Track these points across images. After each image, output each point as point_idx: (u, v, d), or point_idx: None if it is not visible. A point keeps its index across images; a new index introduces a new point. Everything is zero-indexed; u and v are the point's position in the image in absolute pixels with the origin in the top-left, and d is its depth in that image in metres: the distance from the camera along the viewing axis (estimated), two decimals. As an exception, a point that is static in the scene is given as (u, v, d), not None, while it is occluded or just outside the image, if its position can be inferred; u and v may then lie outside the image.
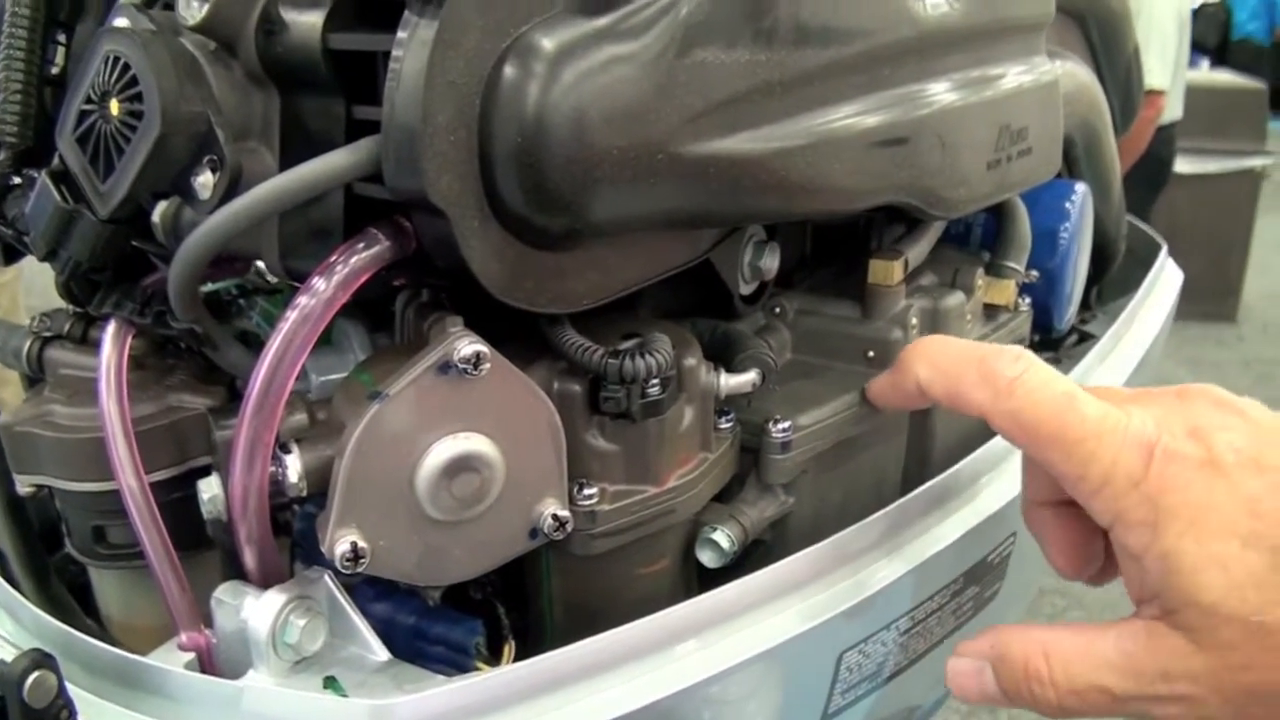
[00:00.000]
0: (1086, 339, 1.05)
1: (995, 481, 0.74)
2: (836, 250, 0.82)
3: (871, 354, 0.71)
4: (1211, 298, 4.04)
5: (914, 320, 0.71)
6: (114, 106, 0.51)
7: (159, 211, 0.58)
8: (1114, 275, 1.16)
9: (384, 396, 0.50)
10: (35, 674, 0.52)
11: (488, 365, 0.51)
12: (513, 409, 0.53)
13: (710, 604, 0.58)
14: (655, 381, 0.56)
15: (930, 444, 0.77)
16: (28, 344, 0.64)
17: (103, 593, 0.65)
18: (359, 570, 0.51)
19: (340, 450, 0.50)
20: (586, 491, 0.56)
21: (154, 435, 0.58)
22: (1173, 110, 3.35)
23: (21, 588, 0.66)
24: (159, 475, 0.59)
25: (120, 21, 0.54)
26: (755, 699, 0.61)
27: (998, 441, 0.75)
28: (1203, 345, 4.11)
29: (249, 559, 0.55)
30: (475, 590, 0.62)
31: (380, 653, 0.55)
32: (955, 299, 0.75)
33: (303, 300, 0.50)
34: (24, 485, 0.61)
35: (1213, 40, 7.71)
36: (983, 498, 0.73)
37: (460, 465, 0.52)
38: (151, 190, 0.52)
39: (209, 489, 0.55)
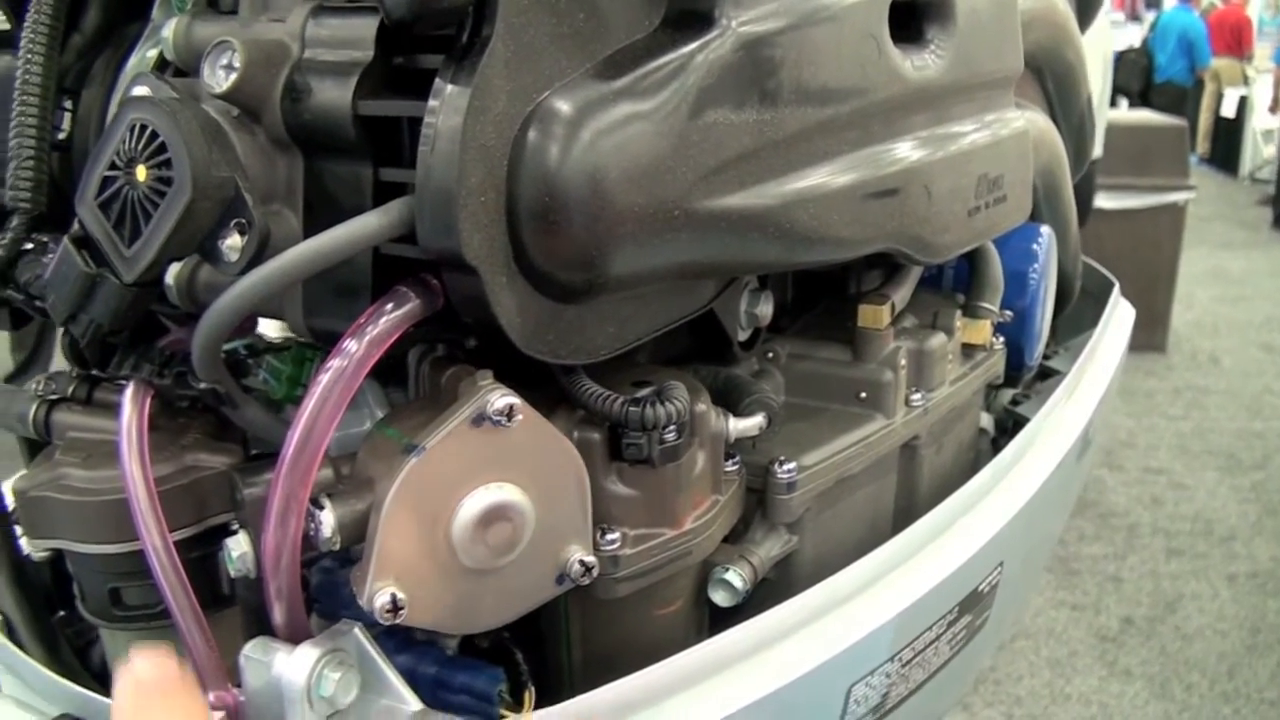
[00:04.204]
0: (1050, 375, 1.09)
1: (982, 514, 0.77)
2: (816, 295, 0.85)
3: (864, 395, 0.73)
4: (1141, 329, 4.14)
5: (903, 361, 0.74)
6: (141, 173, 0.52)
7: (173, 273, 0.58)
8: (1067, 312, 1.21)
9: (420, 450, 0.51)
10: None
11: (520, 417, 0.52)
12: (542, 458, 0.54)
13: (728, 643, 0.60)
14: (672, 428, 0.58)
15: (918, 480, 0.79)
16: (34, 408, 0.64)
17: (114, 654, 0.64)
18: (397, 621, 0.51)
19: (377, 504, 0.51)
20: (609, 536, 0.58)
21: (174, 495, 0.59)
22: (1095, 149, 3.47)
23: (30, 653, 0.65)
24: (179, 535, 0.59)
25: (141, 90, 0.55)
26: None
27: (981, 477, 0.78)
28: (1134, 375, 4.23)
29: (279, 615, 0.56)
30: (482, 640, 0.63)
31: (413, 703, 0.56)
32: (938, 340, 0.78)
33: (337, 361, 0.51)
34: (38, 550, 0.61)
35: (1136, 85, 8.01)
36: (972, 530, 0.76)
37: (494, 515, 0.53)
38: (178, 255, 0.53)
39: (238, 546, 0.55)
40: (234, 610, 0.63)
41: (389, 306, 0.52)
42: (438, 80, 0.49)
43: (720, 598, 0.65)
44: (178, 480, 0.59)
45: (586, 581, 0.57)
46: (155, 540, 0.56)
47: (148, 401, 0.58)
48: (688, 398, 0.58)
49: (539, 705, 0.60)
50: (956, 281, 0.89)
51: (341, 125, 0.52)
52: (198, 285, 0.59)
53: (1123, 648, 2.69)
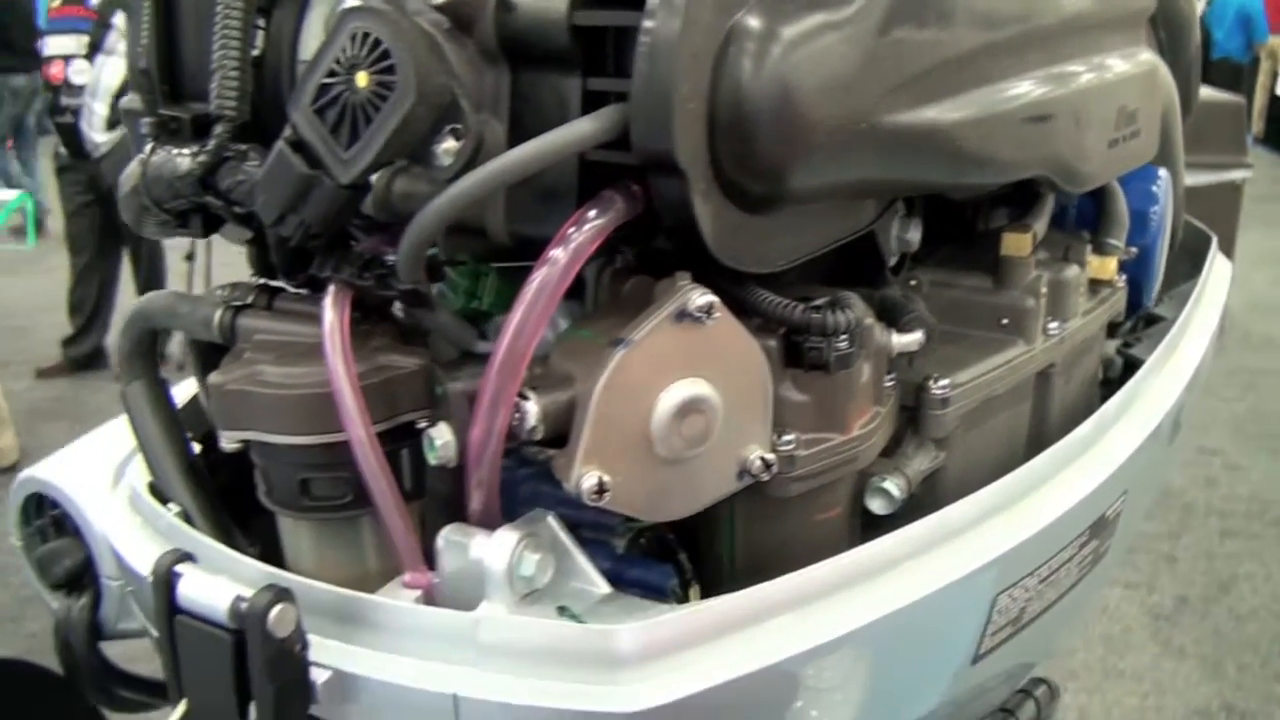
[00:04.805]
0: (1155, 321, 1.10)
1: (1111, 442, 0.80)
2: (944, 231, 0.88)
3: (1005, 321, 0.76)
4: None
5: (1043, 289, 0.76)
6: (361, 79, 0.55)
7: (374, 179, 0.61)
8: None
9: (627, 343, 0.54)
10: (278, 606, 0.56)
11: (719, 314, 0.55)
12: (733, 357, 0.57)
13: (888, 546, 0.63)
14: (845, 336, 0.60)
15: (1049, 407, 0.82)
16: (218, 313, 0.68)
17: (295, 545, 0.67)
18: (601, 503, 0.55)
19: (584, 394, 0.54)
20: (786, 437, 0.61)
21: (369, 392, 0.62)
22: None
23: None
24: (374, 429, 0.63)
25: (353, 1, 0.58)
26: (927, 636, 0.66)
27: (1110, 405, 0.81)
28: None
29: (476, 501, 0.59)
30: (643, 538, 0.66)
31: (602, 586, 0.59)
32: (1073, 271, 0.80)
33: (550, 260, 0.54)
34: (230, 441, 0.64)
35: (1194, 61, 7.87)
36: (1103, 456, 0.78)
37: (689, 408, 0.56)
38: (393, 158, 0.56)
39: (440, 436, 0.59)
40: (413, 505, 0.67)
41: (595, 211, 0.55)
42: None
43: (877, 505, 0.67)
44: (372, 378, 0.62)
45: (766, 478, 0.60)
46: (360, 431, 0.59)
47: (348, 302, 0.61)
48: (863, 307, 0.61)
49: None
50: (1079, 220, 0.91)
51: (555, 35, 0.55)
52: (394, 194, 0.62)
53: (1177, 626, 2.70)
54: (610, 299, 0.64)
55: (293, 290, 0.69)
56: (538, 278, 0.55)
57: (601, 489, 0.54)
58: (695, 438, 0.57)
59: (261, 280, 0.70)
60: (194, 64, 0.66)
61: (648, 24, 0.52)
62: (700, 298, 0.55)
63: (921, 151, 0.61)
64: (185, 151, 0.63)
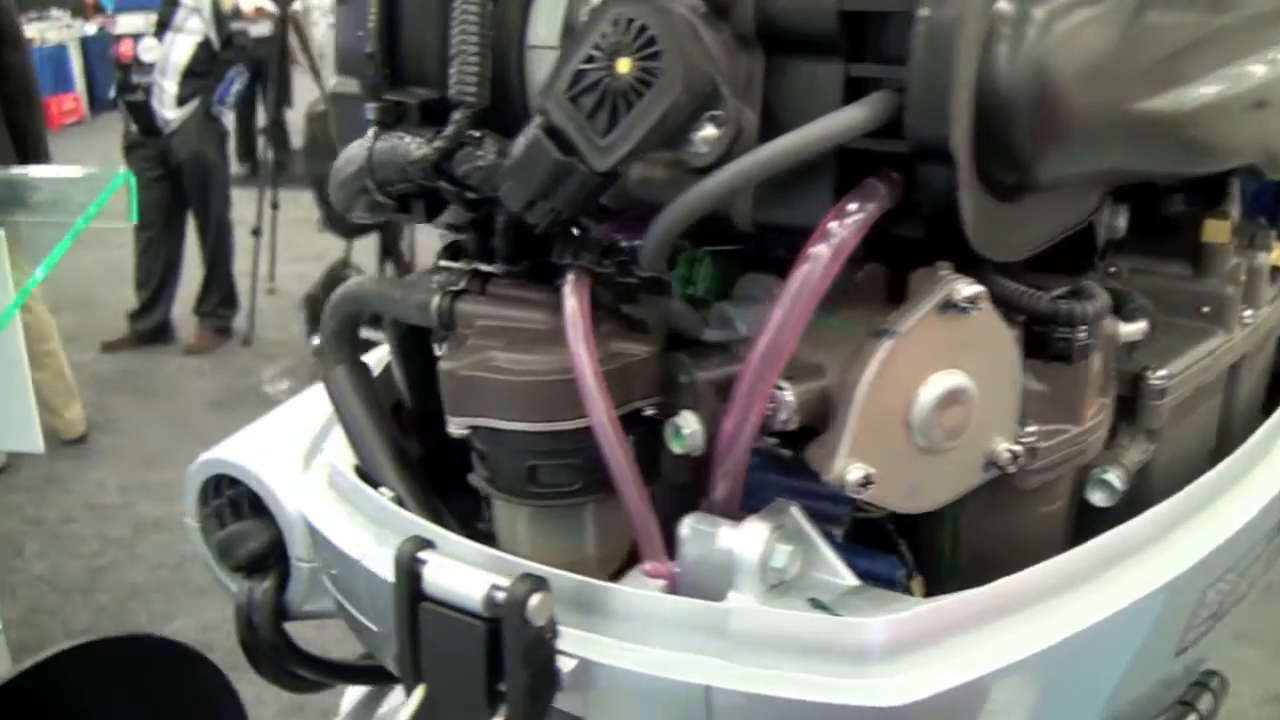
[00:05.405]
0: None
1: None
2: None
3: (1206, 309, 0.75)
4: None
5: (1243, 277, 0.75)
6: (623, 65, 0.54)
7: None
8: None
9: (893, 333, 0.54)
10: (537, 595, 0.56)
11: (984, 304, 0.55)
12: (989, 348, 0.57)
13: (1116, 539, 0.62)
14: (1084, 326, 0.60)
15: (1237, 398, 0.81)
16: (436, 299, 0.68)
17: (511, 533, 0.68)
18: (864, 496, 0.54)
19: (850, 384, 0.54)
20: (1028, 428, 0.60)
21: (605, 378, 0.62)
22: None
23: None
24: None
25: None
26: (1149, 629, 0.65)
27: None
28: None
29: (722, 491, 0.59)
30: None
31: (848, 578, 0.59)
32: (1264, 258, 0.79)
33: (816, 252, 0.54)
34: (458, 428, 0.64)
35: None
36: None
37: (950, 399, 0.55)
38: (653, 146, 0.55)
39: (687, 425, 0.58)
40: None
41: (857, 203, 0.55)
42: None
43: (1099, 498, 0.67)
44: (609, 364, 0.62)
45: (1012, 470, 0.59)
46: (603, 416, 0.59)
47: (588, 288, 0.61)
48: (1106, 297, 0.60)
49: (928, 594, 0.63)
50: (1253, 208, 0.90)
51: (820, 21, 0.54)
52: (629, 181, 0.61)
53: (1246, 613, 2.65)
54: (844, 287, 0.63)
55: (499, 275, 0.69)
56: (801, 273, 0.54)
57: (867, 481, 0.54)
58: (954, 429, 0.56)
59: (474, 265, 0.69)
60: (414, 47, 0.65)
61: (924, 10, 0.51)
62: (966, 288, 0.54)
63: (1164, 139, 0.60)
64: (417, 137, 0.63)
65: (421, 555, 0.59)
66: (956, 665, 0.55)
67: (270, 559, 0.80)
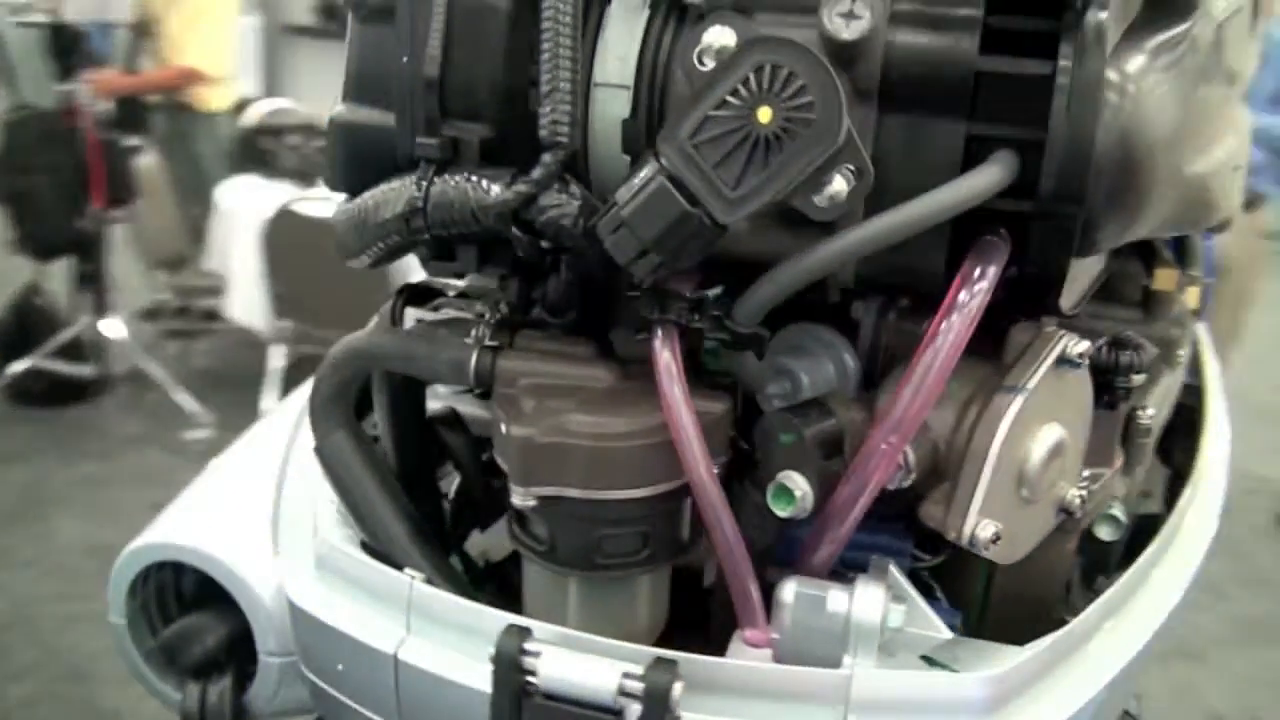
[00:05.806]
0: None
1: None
2: None
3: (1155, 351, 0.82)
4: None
5: (1187, 321, 0.83)
6: (764, 114, 0.51)
7: None
8: None
9: (1023, 390, 0.54)
10: (679, 683, 0.53)
11: (1088, 360, 0.57)
12: (1079, 399, 0.59)
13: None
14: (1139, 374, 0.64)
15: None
16: (474, 356, 0.61)
17: (552, 604, 0.62)
18: (989, 553, 0.55)
19: (982, 441, 0.54)
20: (1085, 473, 0.63)
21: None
22: None
23: None
24: (677, 481, 0.59)
25: (720, 30, 0.54)
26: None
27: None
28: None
29: (823, 554, 0.58)
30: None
31: (944, 631, 0.59)
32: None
33: (952, 320, 0.53)
34: (527, 499, 0.58)
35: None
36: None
37: (1055, 451, 0.57)
38: (784, 199, 0.53)
39: (798, 486, 0.56)
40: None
41: (979, 267, 0.54)
42: (1064, 41, 0.52)
43: (1105, 532, 0.71)
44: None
45: (1080, 515, 0.62)
46: (704, 476, 0.56)
47: (678, 343, 0.58)
48: (1151, 347, 0.64)
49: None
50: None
51: (953, 80, 0.54)
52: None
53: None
54: (894, 341, 0.64)
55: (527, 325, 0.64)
56: (935, 341, 0.54)
57: (997, 537, 0.54)
58: (1053, 479, 0.58)
59: (503, 317, 0.64)
60: (464, 79, 0.59)
61: (1065, 76, 0.52)
62: (1077, 345, 0.56)
63: (1193, 199, 0.65)
64: (487, 179, 0.56)
65: (530, 647, 0.53)
66: (1060, 701, 0.57)
67: (224, 657, 0.69)
